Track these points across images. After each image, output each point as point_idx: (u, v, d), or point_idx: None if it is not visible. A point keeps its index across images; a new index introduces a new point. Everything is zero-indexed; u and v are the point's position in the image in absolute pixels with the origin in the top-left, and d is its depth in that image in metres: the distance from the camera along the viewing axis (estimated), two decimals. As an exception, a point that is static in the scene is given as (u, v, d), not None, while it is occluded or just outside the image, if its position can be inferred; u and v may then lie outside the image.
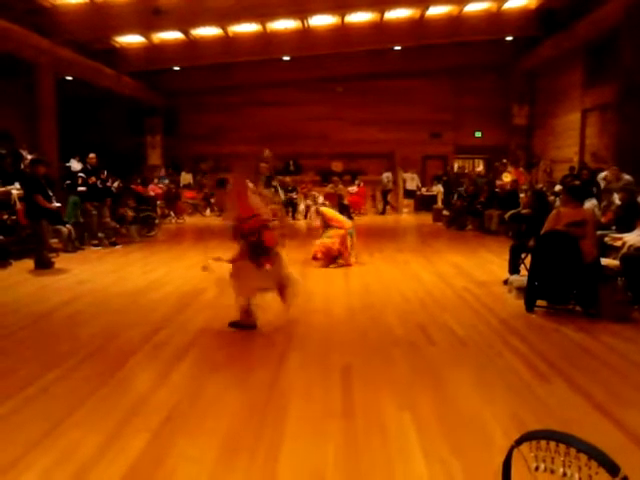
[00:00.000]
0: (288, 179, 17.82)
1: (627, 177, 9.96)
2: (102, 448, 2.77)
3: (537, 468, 1.28)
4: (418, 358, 4.15)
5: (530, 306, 5.45)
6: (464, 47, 17.70)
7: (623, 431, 2.93)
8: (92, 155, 11.20)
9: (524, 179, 15.19)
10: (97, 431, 2.96)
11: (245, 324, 4.87)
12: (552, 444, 1.27)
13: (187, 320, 5.24)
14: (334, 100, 20.72)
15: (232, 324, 4.89)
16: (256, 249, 4.78)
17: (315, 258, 8.21)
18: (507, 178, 15.12)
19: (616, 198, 8.45)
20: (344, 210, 16.93)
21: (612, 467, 1.15)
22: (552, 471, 1.26)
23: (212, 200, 17.05)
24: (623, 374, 3.80)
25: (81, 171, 11.59)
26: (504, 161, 17.62)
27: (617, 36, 12.29)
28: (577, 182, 8.49)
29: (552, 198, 10.84)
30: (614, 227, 7.25)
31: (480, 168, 21.25)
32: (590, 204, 8.19)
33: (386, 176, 18.79)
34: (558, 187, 11.89)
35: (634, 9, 11.59)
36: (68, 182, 12.15)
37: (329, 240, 8.18)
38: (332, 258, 8.15)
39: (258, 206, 4.83)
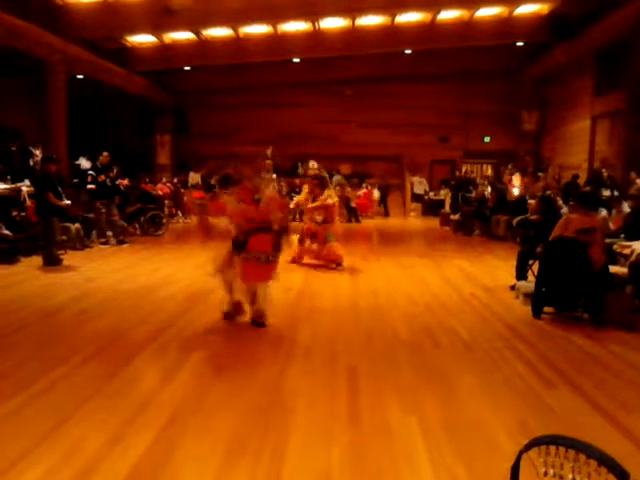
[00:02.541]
0: (297, 181, 17.83)
1: None
2: (107, 446, 2.78)
3: (546, 473, 1.28)
4: (424, 362, 4.15)
5: (537, 312, 5.44)
6: (474, 52, 17.63)
7: (630, 438, 2.91)
8: (105, 153, 11.19)
9: (529, 187, 14.30)
10: (102, 429, 2.96)
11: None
12: (561, 450, 1.26)
13: (194, 319, 5.25)
14: (343, 103, 20.70)
15: (255, 322, 5.04)
16: (236, 245, 5.00)
17: (296, 259, 8.18)
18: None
19: (625, 206, 8.41)
20: (351, 213, 16.98)
21: (622, 473, 1.15)
22: (561, 477, 1.26)
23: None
24: (630, 381, 3.79)
25: (91, 169, 11.62)
26: (509, 167, 17.40)
27: (628, 43, 12.26)
28: (587, 189, 8.45)
29: (559, 203, 10.77)
30: (623, 235, 7.22)
31: (484, 173, 21.04)
32: (600, 216, 8.12)
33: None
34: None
35: (646, 16, 11.56)
36: (76, 180, 12.21)
37: (338, 246, 8.12)
38: (331, 260, 8.12)
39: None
